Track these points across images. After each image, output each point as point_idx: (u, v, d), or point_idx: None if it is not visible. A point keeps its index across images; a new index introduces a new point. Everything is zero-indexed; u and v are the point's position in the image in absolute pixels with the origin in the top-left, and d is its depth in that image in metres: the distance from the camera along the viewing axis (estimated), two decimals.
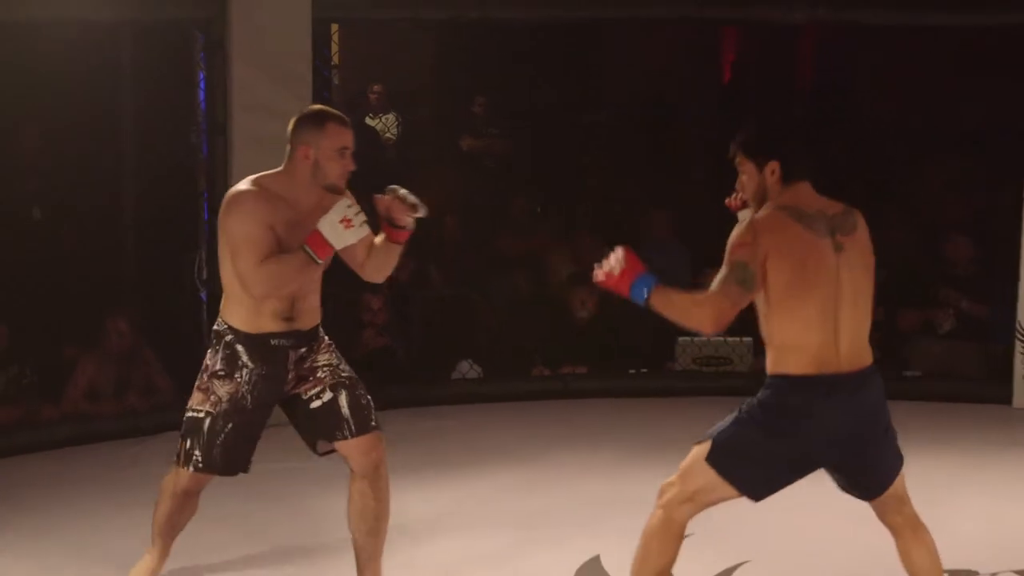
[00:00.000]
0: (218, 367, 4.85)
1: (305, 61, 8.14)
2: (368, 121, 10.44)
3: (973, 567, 5.87)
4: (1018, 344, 8.85)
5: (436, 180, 9.60)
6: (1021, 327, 8.83)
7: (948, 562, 5.80)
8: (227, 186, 7.93)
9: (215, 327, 4.91)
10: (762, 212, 4.39)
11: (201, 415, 4.86)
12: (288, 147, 4.85)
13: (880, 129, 10.69)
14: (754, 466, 4.38)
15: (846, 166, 10.32)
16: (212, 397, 4.85)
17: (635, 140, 10.53)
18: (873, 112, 10.94)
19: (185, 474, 4.92)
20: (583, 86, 10.69)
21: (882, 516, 4.65)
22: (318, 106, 5.08)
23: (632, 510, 6.54)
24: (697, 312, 4.28)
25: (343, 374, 4.94)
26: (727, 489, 4.40)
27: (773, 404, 4.34)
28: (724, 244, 4.42)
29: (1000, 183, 9.60)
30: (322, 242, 4.66)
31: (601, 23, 10.26)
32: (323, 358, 4.95)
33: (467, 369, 9.05)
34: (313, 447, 5.06)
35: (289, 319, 4.82)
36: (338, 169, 4.77)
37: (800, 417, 4.32)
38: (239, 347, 4.82)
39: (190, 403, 4.92)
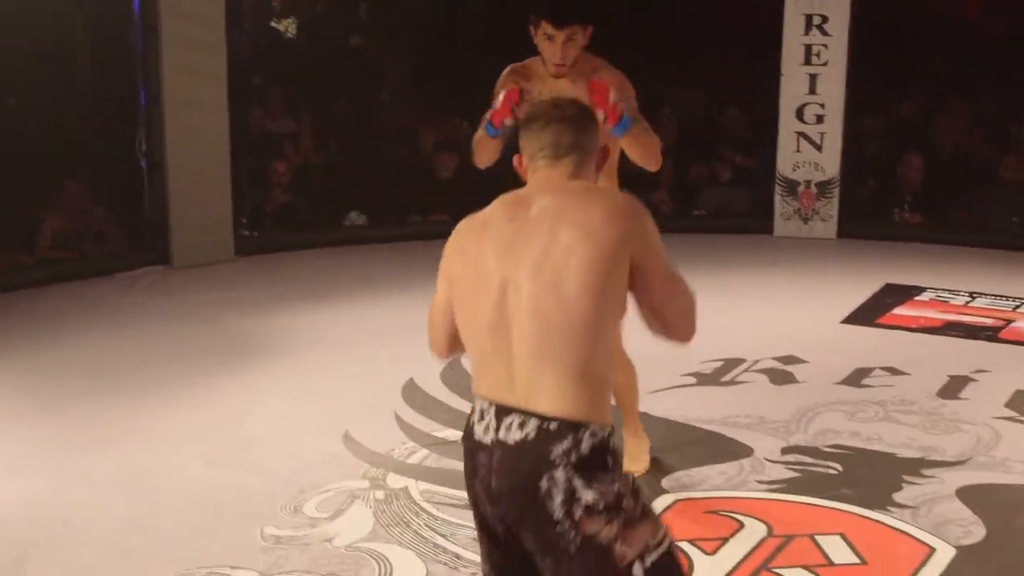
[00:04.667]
0: (630, 480, 2.42)
1: None
2: (273, 24, 10.14)
3: (743, 356, 6.00)
4: (777, 188, 9.00)
5: (329, 72, 9.46)
6: (779, 175, 8.96)
7: (725, 354, 5.96)
8: (159, 76, 7.78)
9: (592, 434, 2.37)
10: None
11: (667, 545, 2.42)
12: (576, 152, 2.68)
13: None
14: None
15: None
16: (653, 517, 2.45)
17: (474, 33, 10.22)
18: None
19: None
20: None
21: None
22: None
23: None
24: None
25: None
26: None
27: None
28: None
29: (760, 61, 9.51)
30: None
31: None
32: None
33: (355, 217, 9.00)
34: None
35: None
36: None
37: None
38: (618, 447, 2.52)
39: (645, 547, 2.36)
